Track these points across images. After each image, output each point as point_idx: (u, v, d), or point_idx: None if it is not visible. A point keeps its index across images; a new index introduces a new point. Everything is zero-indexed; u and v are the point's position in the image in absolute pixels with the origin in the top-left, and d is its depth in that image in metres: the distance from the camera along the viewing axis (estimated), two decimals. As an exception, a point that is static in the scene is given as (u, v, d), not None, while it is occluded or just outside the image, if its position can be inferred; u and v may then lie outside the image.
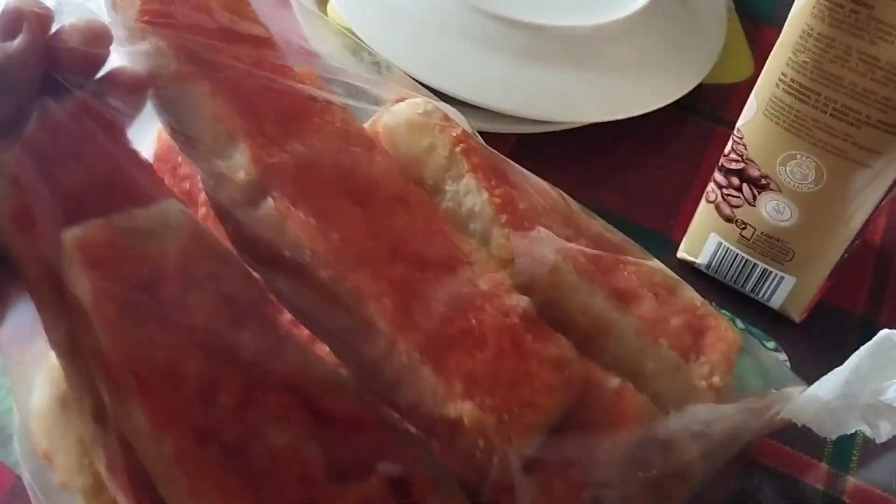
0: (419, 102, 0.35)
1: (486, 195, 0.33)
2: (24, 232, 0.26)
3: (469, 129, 0.36)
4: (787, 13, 0.37)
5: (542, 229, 0.33)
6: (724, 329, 0.37)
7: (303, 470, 0.27)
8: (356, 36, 0.48)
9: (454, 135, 0.34)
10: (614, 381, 0.32)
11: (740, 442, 0.36)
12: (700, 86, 0.54)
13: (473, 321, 0.29)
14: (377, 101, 0.42)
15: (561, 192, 0.39)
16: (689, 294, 0.37)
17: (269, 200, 0.28)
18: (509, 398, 0.28)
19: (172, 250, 0.27)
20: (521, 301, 0.30)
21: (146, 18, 0.28)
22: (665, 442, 0.33)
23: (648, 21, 0.52)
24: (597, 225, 0.39)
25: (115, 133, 0.28)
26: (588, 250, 0.35)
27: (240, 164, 0.28)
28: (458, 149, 0.34)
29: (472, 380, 0.27)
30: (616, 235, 0.40)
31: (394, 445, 0.28)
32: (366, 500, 0.27)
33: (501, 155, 0.37)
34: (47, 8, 0.27)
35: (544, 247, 0.33)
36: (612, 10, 0.51)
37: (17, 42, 0.26)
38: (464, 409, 0.27)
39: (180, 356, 0.26)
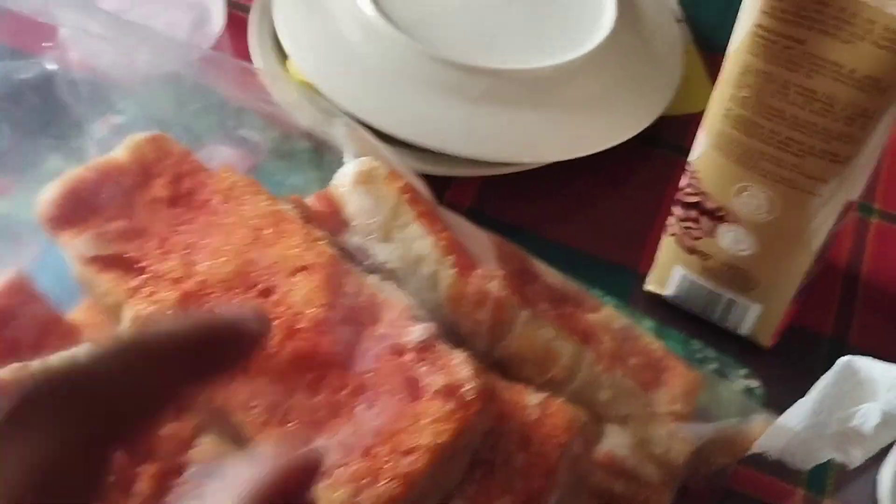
0: (363, 160, 0.37)
1: (432, 239, 0.35)
2: None
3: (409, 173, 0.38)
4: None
5: (487, 268, 0.35)
6: (684, 368, 0.37)
7: None
8: (316, 89, 0.49)
9: (398, 186, 0.36)
10: (537, 397, 0.32)
11: (706, 470, 0.37)
12: (661, 118, 0.54)
13: (368, 375, 0.31)
14: (337, 152, 0.43)
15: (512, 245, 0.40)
16: (648, 338, 0.38)
17: None
18: (385, 454, 0.29)
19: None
20: (414, 332, 0.32)
21: None
22: (624, 470, 0.33)
23: (606, 57, 0.53)
24: (554, 273, 0.40)
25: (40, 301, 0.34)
26: (539, 288, 0.36)
27: (125, 325, 0.33)
28: (403, 199, 0.36)
29: (340, 451, 0.29)
30: (572, 286, 0.41)
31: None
32: None
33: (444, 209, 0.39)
34: None
35: (490, 284, 0.34)
36: (569, 50, 0.52)
37: None
38: (316, 493, 0.28)
39: None
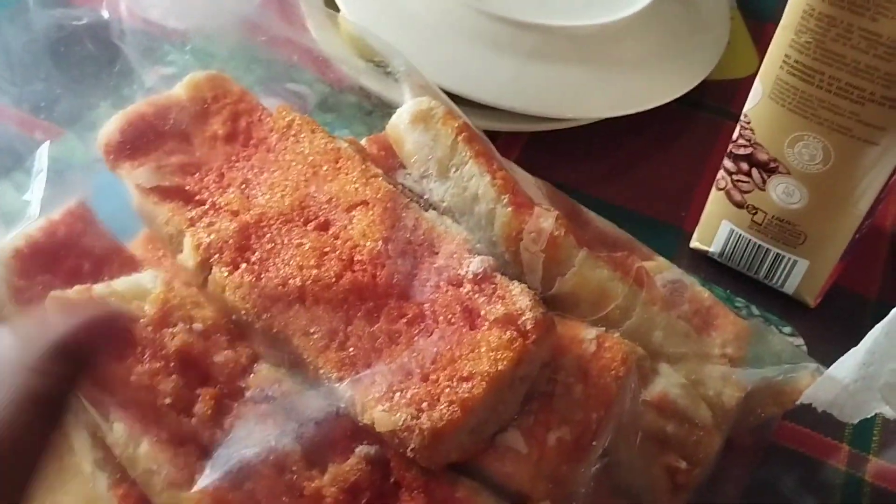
0: (422, 100, 0.37)
1: (488, 178, 0.35)
2: (20, 304, 0.33)
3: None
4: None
5: (543, 207, 0.35)
6: (734, 317, 0.37)
7: (279, 462, 0.29)
8: (366, 41, 0.49)
9: (456, 125, 0.36)
10: (593, 331, 0.33)
11: (753, 420, 0.37)
12: (705, 82, 0.54)
13: (426, 305, 0.32)
14: (389, 105, 0.43)
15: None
16: (698, 287, 0.39)
17: (211, 275, 0.33)
18: (444, 380, 0.29)
19: (148, 304, 0.32)
20: (472, 263, 0.32)
21: None
22: (676, 411, 0.33)
23: (652, 19, 0.53)
24: (604, 222, 0.41)
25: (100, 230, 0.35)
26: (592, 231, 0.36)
27: (187, 254, 0.34)
28: (460, 138, 0.36)
29: (399, 376, 0.30)
30: (623, 234, 0.41)
31: (369, 429, 0.30)
32: (346, 481, 0.30)
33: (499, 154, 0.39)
34: None
35: (546, 221, 0.34)
36: (616, 9, 0.52)
37: None
38: (375, 413, 0.29)
39: (154, 379, 0.30)
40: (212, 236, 0.33)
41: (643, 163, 0.53)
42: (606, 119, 0.51)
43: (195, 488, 0.29)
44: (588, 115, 0.51)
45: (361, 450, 0.31)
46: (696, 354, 0.35)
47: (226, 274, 0.32)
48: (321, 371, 0.31)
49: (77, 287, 0.32)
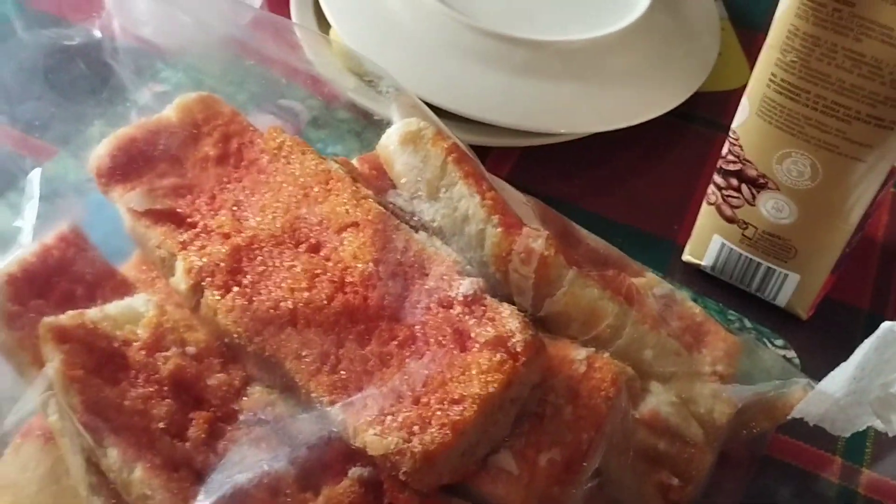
0: (411, 121, 0.38)
1: (478, 199, 0.36)
2: (14, 329, 0.33)
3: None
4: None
5: (533, 227, 0.35)
6: (724, 333, 0.38)
7: (273, 485, 0.30)
8: (356, 57, 0.49)
9: (445, 146, 0.37)
10: (583, 352, 0.33)
11: (745, 435, 0.37)
12: (697, 93, 0.55)
13: (417, 327, 0.32)
14: (381, 122, 0.43)
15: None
16: (689, 303, 0.39)
17: (204, 298, 0.33)
18: (435, 403, 0.30)
19: (141, 328, 0.32)
20: (462, 285, 0.32)
21: None
22: (668, 428, 0.34)
23: (643, 32, 0.53)
24: (595, 239, 0.41)
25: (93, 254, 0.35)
26: (584, 251, 0.36)
27: (179, 277, 0.34)
28: (449, 159, 0.36)
29: (390, 399, 0.30)
30: (614, 251, 0.41)
31: (362, 451, 0.30)
32: (339, 503, 0.30)
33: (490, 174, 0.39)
34: None
35: (536, 242, 0.34)
36: (606, 23, 0.52)
37: None
38: (367, 437, 0.29)
39: (148, 403, 0.31)
40: (203, 259, 0.33)
41: (636, 176, 0.53)
42: (598, 132, 0.51)
43: None
44: (579, 130, 0.51)
45: (355, 472, 0.31)
46: (687, 372, 0.35)
47: (218, 297, 0.33)
48: (313, 395, 0.31)
49: (70, 312, 0.32)
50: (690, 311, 0.38)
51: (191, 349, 0.32)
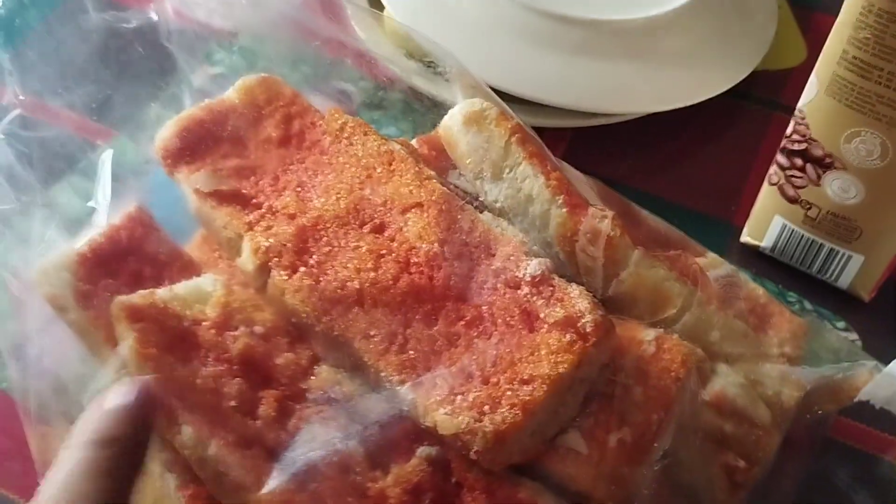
0: (474, 101, 0.37)
1: (542, 179, 0.35)
2: (86, 308, 0.33)
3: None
4: (838, -3, 0.37)
5: (598, 207, 0.35)
6: (790, 314, 0.37)
7: (343, 462, 0.30)
8: (411, 38, 0.49)
9: (509, 126, 0.36)
10: (652, 333, 0.32)
11: (810, 416, 0.36)
12: (753, 73, 0.54)
13: (484, 307, 0.32)
14: (436, 102, 0.43)
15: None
16: (752, 285, 0.38)
17: (271, 279, 0.33)
18: (504, 383, 0.30)
19: (209, 308, 0.32)
20: (530, 266, 0.32)
21: None
22: (735, 410, 0.33)
23: (698, 11, 0.53)
24: (656, 220, 0.40)
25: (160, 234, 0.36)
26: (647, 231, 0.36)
27: (246, 258, 0.34)
28: (513, 139, 0.36)
29: (459, 379, 0.30)
30: (675, 231, 0.40)
31: (430, 430, 0.30)
32: (409, 482, 0.30)
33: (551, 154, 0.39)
34: None
35: (602, 222, 0.34)
36: (662, 2, 0.52)
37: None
38: (438, 416, 0.29)
39: (219, 382, 0.31)
40: (270, 240, 0.34)
41: (691, 156, 0.53)
42: (653, 113, 0.51)
43: (264, 490, 0.29)
44: (635, 110, 0.50)
45: (423, 451, 0.31)
46: (754, 354, 0.35)
47: (285, 277, 0.33)
48: (382, 374, 0.31)
49: (141, 292, 0.32)
50: (754, 293, 0.38)
51: (258, 328, 0.33)
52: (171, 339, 0.31)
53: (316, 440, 0.30)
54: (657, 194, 0.50)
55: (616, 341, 0.32)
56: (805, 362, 0.37)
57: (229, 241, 0.35)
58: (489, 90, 0.40)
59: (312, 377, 0.33)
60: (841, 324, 0.44)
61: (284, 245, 0.33)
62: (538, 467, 0.31)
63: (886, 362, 0.36)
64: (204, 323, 0.32)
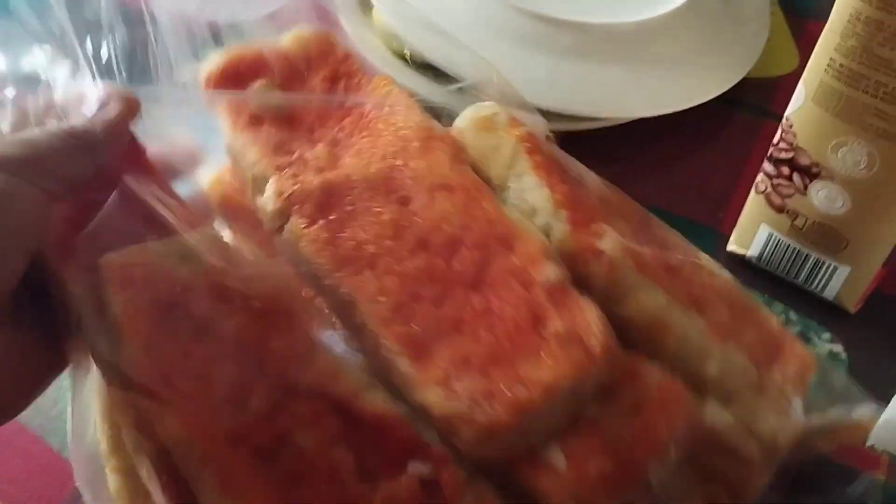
0: (487, 105, 0.36)
1: (547, 192, 0.34)
2: (65, 257, 0.30)
3: (543, 132, 0.37)
4: (830, 5, 0.37)
5: (603, 225, 0.34)
6: (801, 347, 0.36)
7: (333, 471, 0.29)
8: (401, 40, 0.49)
9: (518, 134, 0.35)
10: (656, 372, 0.31)
11: (804, 454, 0.36)
12: (745, 80, 0.53)
13: (494, 301, 0.31)
14: (430, 108, 0.43)
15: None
16: (766, 312, 0.37)
17: (289, 224, 0.32)
18: (499, 378, 0.29)
19: (204, 271, 0.31)
20: (548, 272, 0.31)
21: None
22: (726, 446, 0.32)
23: (691, 16, 0.52)
24: (674, 234, 0.39)
25: (156, 176, 0.33)
26: (655, 252, 0.35)
27: (269, 197, 0.33)
28: (521, 147, 0.35)
29: (458, 364, 0.29)
30: (692, 248, 0.39)
31: (423, 445, 0.29)
32: (396, 499, 0.29)
33: (575, 160, 0.38)
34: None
35: (604, 242, 0.33)
36: (654, 7, 0.51)
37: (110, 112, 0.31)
38: (432, 394, 0.28)
39: (211, 365, 0.29)
40: (296, 187, 0.33)
41: (680, 162, 0.52)
42: (642, 118, 0.50)
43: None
44: (625, 115, 0.50)
45: (414, 466, 0.29)
46: (751, 391, 0.34)
47: (303, 226, 0.32)
48: (382, 341, 0.30)
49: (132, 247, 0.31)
50: (767, 321, 0.36)
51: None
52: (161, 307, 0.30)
53: (308, 441, 0.29)
54: (644, 200, 0.49)
55: (619, 370, 0.31)
56: (806, 401, 0.36)
57: (255, 178, 0.34)
58: (516, 93, 0.39)
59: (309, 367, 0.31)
60: (826, 335, 0.44)
61: (308, 195, 0.33)
62: (513, 474, 0.30)
63: (872, 376, 0.35)
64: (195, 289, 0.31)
